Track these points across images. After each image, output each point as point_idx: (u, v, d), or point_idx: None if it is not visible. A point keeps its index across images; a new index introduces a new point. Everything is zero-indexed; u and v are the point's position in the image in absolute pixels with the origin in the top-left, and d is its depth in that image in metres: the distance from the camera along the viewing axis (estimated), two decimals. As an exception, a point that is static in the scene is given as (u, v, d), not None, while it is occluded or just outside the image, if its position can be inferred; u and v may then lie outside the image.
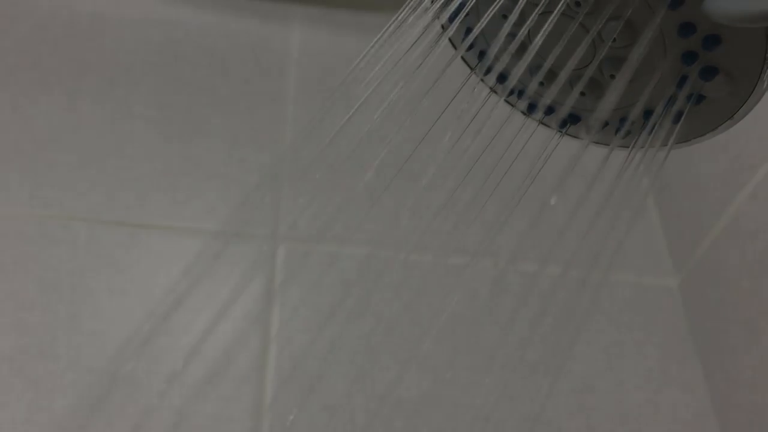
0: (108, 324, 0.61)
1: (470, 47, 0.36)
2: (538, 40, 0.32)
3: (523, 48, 0.33)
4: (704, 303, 0.66)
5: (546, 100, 0.35)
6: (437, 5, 0.35)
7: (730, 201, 0.63)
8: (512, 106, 0.37)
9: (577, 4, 0.31)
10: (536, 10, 0.32)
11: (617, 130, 0.35)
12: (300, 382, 0.59)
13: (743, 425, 0.60)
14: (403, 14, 0.35)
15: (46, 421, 0.56)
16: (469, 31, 0.35)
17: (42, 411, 0.56)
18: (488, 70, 0.36)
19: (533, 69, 0.34)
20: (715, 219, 0.65)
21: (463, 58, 0.37)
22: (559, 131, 0.37)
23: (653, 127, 0.33)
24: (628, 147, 0.34)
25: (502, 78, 0.36)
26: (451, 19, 0.35)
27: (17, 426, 0.55)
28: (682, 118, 0.32)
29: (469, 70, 0.37)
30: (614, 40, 0.32)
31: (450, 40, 0.36)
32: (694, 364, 0.66)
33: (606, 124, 0.35)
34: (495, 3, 0.32)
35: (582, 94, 0.34)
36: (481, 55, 0.36)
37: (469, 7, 0.34)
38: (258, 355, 0.60)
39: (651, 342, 0.67)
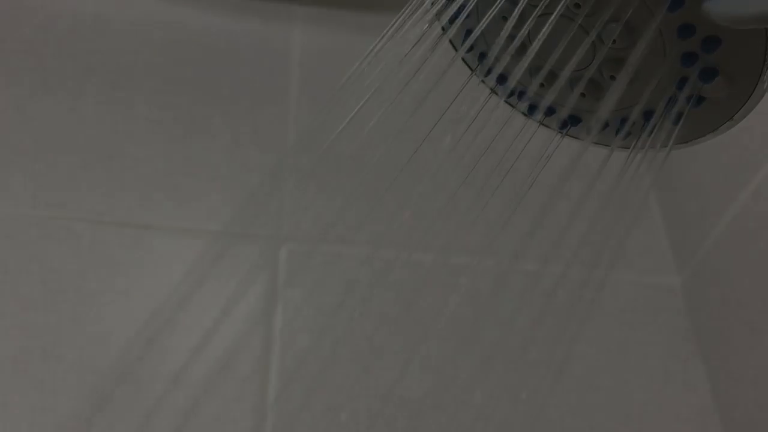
0: (111, 325, 0.61)
1: (470, 49, 0.36)
2: (538, 41, 0.32)
3: (523, 49, 0.33)
4: (707, 302, 0.66)
5: (546, 102, 0.35)
6: (438, 7, 0.35)
7: (733, 200, 0.63)
8: (513, 107, 0.37)
9: (577, 6, 0.31)
10: (536, 12, 0.32)
11: (617, 131, 0.35)
12: (303, 382, 0.59)
13: (746, 424, 0.60)
14: (404, 15, 0.35)
15: (50, 421, 0.56)
16: (469, 32, 0.35)
17: (46, 412, 0.56)
18: (488, 72, 0.36)
19: (533, 70, 0.34)
20: (717, 218, 0.65)
21: (463, 59, 0.37)
22: (560, 132, 0.37)
23: (653, 129, 0.33)
24: (628, 148, 0.34)
25: (502, 79, 0.36)
26: (452, 20, 0.35)
27: (21, 427, 0.56)
28: (682, 120, 0.32)
29: (469, 72, 0.37)
30: (614, 41, 0.32)
31: (450, 41, 0.36)
32: (697, 363, 0.65)
33: (606, 125, 0.35)
34: (495, 5, 0.32)
35: (582, 95, 0.34)
36: (482, 56, 0.36)
37: (469, 8, 0.34)
38: (261, 355, 0.60)
39: (653, 341, 0.66)
